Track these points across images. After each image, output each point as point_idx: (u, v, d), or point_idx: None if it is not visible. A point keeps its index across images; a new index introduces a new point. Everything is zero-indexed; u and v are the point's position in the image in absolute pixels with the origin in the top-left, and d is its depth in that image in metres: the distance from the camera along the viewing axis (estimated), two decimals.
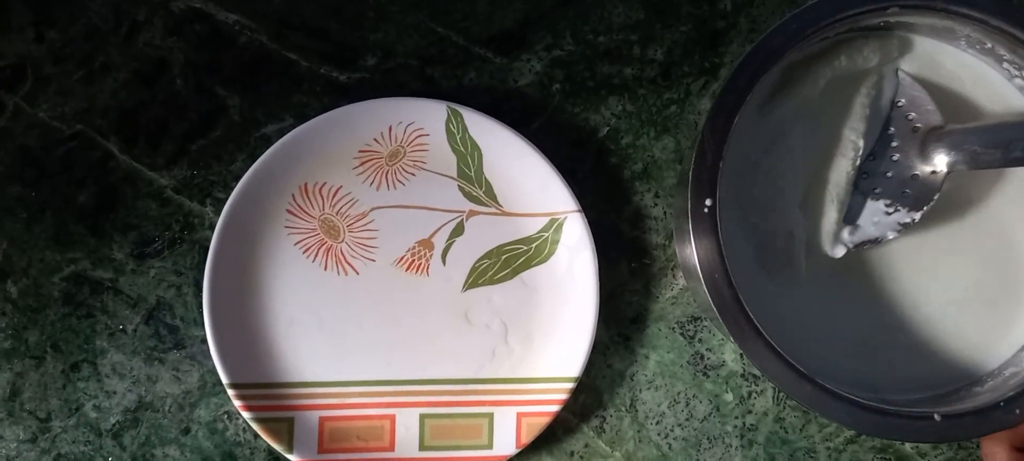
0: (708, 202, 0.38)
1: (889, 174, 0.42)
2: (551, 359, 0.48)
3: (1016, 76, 0.42)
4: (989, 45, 0.41)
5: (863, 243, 0.42)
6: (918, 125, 0.42)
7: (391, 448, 0.48)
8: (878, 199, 0.42)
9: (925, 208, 0.42)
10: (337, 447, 0.47)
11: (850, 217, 0.43)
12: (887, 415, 0.37)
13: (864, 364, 0.42)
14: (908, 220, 0.42)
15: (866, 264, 0.43)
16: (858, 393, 0.38)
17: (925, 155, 0.41)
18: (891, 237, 0.42)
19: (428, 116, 0.48)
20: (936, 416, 0.37)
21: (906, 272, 0.43)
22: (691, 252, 0.38)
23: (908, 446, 0.49)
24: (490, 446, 0.47)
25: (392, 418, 0.48)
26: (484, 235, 0.49)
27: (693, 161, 0.38)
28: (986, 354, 0.42)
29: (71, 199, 0.50)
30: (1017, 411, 0.37)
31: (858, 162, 0.42)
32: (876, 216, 0.42)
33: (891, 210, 0.42)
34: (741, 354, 0.49)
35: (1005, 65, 0.42)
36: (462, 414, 0.48)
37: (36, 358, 0.49)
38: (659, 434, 0.49)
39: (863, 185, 0.42)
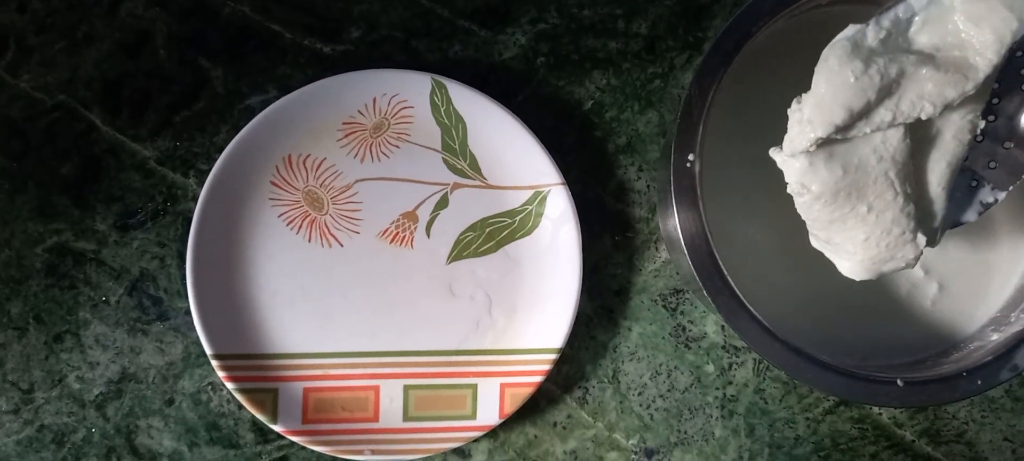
0: (690, 157, 0.38)
1: (980, 138, 0.38)
2: (534, 331, 0.48)
3: None
4: None
5: (945, 226, 0.39)
6: None
7: (375, 419, 0.48)
8: (963, 170, 0.38)
9: (1012, 186, 0.38)
10: (321, 418, 0.48)
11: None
12: (855, 378, 0.38)
13: (843, 328, 0.43)
14: (991, 199, 0.39)
15: None
16: (836, 358, 0.39)
17: None
18: (973, 219, 0.39)
19: (412, 88, 0.48)
20: (899, 381, 0.38)
21: None
22: (673, 218, 0.39)
23: (885, 416, 0.49)
24: (474, 416, 0.48)
25: (376, 389, 0.48)
26: (468, 208, 0.49)
27: (679, 116, 0.38)
28: (954, 328, 0.43)
29: (54, 170, 0.50)
30: (979, 382, 0.38)
31: (972, 143, 0.37)
32: (958, 190, 0.38)
33: (974, 184, 0.39)
34: (722, 326, 0.49)
35: None
36: (446, 385, 0.48)
37: (19, 329, 0.49)
38: (641, 405, 0.49)
39: None
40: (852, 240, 0.37)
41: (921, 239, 0.37)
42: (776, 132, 0.43)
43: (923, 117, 0.34)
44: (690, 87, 0.38)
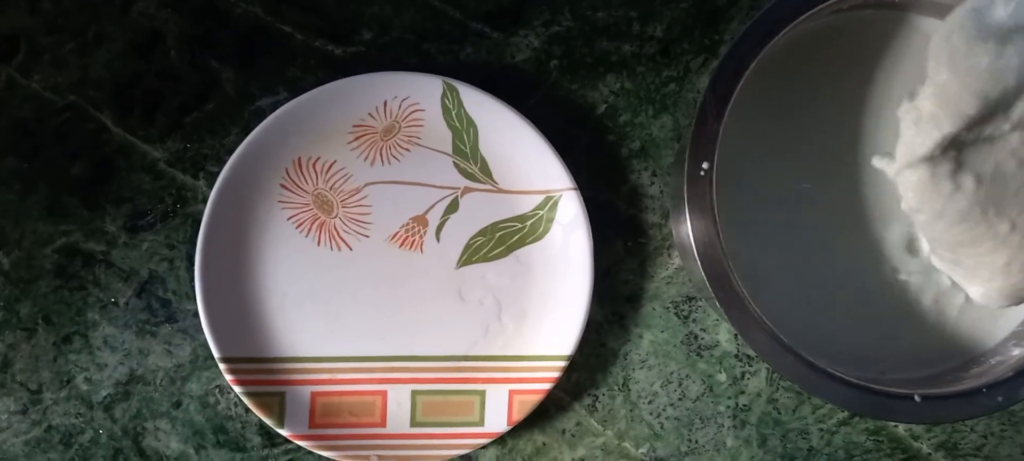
0: (705, 165, 0.37)
1: None
2: (544, 337, 0.48)
3: None
4: None
5: None
6: None
7: (382, 424, 0.48)
8: None
9: None
10: (328, 422, 0.47)
11: None
12: (871, 392, 0.37)
13: (861, 340, 0.42)
14: None
15: (863, 239, 0.43)
16: (852, 371, 0.38)
17: None
18: None
19: (423, 91, 0.48)
20: (916, 397, 0.37)
21: (901, 253, 0.43)
22: (686, 226, 0.38)
23: (901, 428, 0.48)
24: (481, 423, 0.47)
25: (384, 394, 0.48)
26: (479, 212, 0.49)
27: (693, 123, 0.38)
28: (975, 341, 0.42)
29: (64, 171, 0.50)
30: (999, 398, 0.37)
31: None
32: None
33: None
34: (735, 335, 0.49)
35: None
36: (454, 391, 0.48)
37: (27, 330, 0.49)
38: (651, 414, 0.49)
39: None
40: (989, 265, 0.32)
41: None
42: (795, 139, 0.43)
43: None
44: (705, 94, 0.38)
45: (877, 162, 0.32)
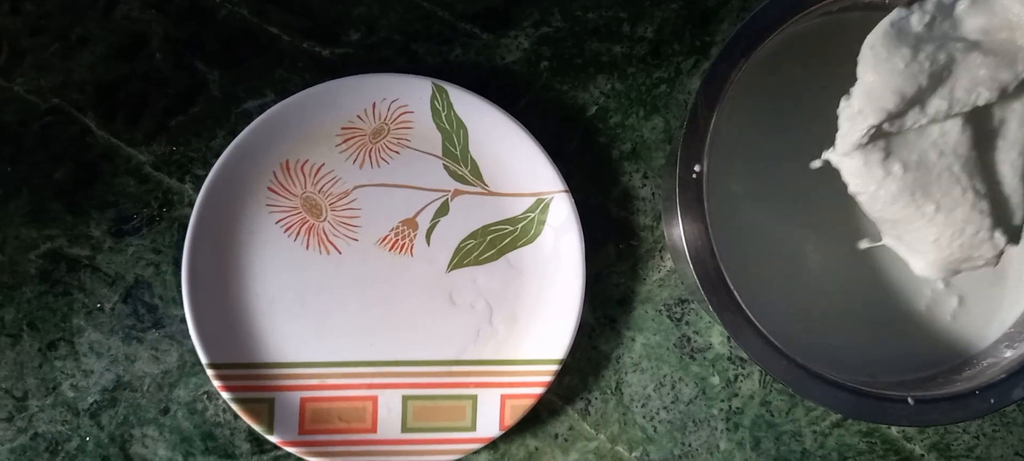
0: (697, 168, 0.37)
1: None
2: (536, 341, 0.47)
3: None
4: None
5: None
6: None
7: (373, 430, 0.47)
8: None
9: None
10: (318, 428, 0.47)
11: None
12: (864, 396, 0.37)
13: (854, 342, 0.42)
14: None
15: (855, 242, 0.43)
16: (845, 373, 0.37)
17: None
18: None
19: (413, 93, 0.47)
20: (909, 400, 0.37)
21: (894, 256, 0.43)
22: (678, 229, 0.38)
23: (894, 430, 0.48)
24: (473, 428, 0.47)
25: (374, 399, 0.47)
26: (469, 215, 0.48)
27: (685, 125, 0.37)
28: (968, 343, 0.42)
29: (48, 175, 0.49)
30: (992, 400, 0.37)
31: None
32: None
33: None
34: (728, 337, 0.48)
35: None
36: (445, 396, 0.47)
37: (12, 336, 0.48)
38: (644, 417, 0.48)
39: None
40: (922, 240, 0.36)
41: (1000, 237, 0.35)
42: (785, 141, 0.43)
43: (980, 103, 0.33)
44: (697, 96, 0.37)
45: (824, 154, 0.36)
